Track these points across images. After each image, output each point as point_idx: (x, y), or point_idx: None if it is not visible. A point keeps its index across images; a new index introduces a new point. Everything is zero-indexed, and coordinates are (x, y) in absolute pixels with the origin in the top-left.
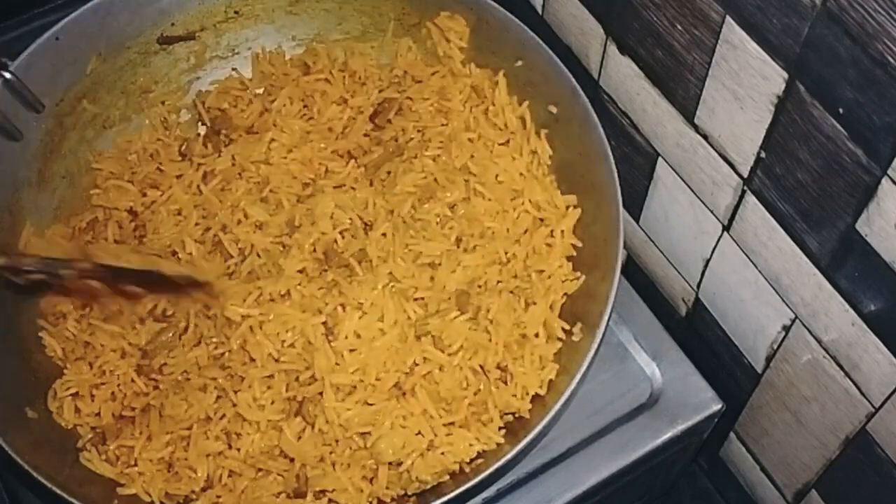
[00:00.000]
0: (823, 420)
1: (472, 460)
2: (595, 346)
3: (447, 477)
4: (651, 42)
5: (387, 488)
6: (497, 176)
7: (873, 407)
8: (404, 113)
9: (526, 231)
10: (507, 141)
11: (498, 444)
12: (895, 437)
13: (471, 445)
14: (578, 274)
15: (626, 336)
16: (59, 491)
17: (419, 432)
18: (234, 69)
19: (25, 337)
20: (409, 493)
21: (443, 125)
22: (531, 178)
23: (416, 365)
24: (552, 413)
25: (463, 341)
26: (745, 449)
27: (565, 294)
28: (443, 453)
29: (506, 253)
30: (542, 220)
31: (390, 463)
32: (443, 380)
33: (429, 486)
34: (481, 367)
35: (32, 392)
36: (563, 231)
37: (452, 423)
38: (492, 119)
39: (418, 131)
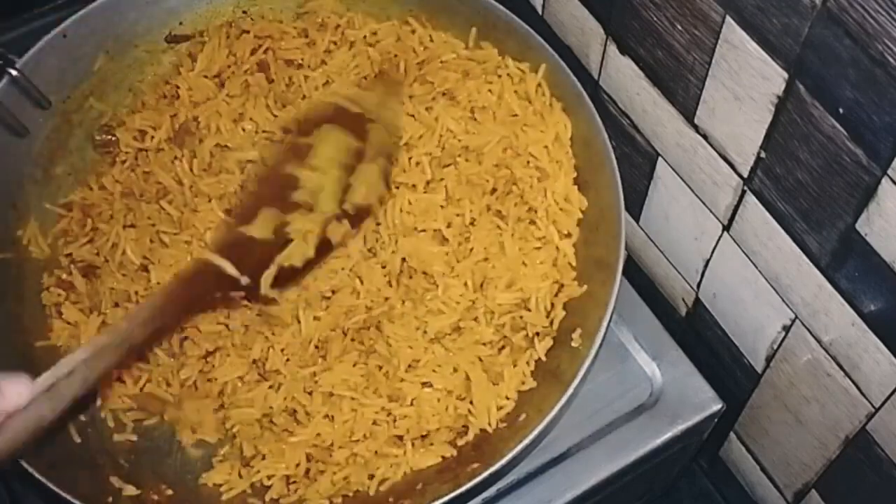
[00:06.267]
0: (823, 420)
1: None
2: (592, 355)
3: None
4: (651, 42)
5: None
6: (530, 155)
7: (873, 407)
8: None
9: (542, 237)
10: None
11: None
12: (895, 437)
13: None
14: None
15: (626, 336)
16: (55, 488)
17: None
18: None
19: (26, 329)
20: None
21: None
22: (555, 163)
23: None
24: (541, 427)
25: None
26: (745, 449)
27: (564, 305)
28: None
29: (524, 262)
30: (554, 221)
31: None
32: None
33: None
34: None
35: None
36: (570, 238)
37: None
38: (515, 86)
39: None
